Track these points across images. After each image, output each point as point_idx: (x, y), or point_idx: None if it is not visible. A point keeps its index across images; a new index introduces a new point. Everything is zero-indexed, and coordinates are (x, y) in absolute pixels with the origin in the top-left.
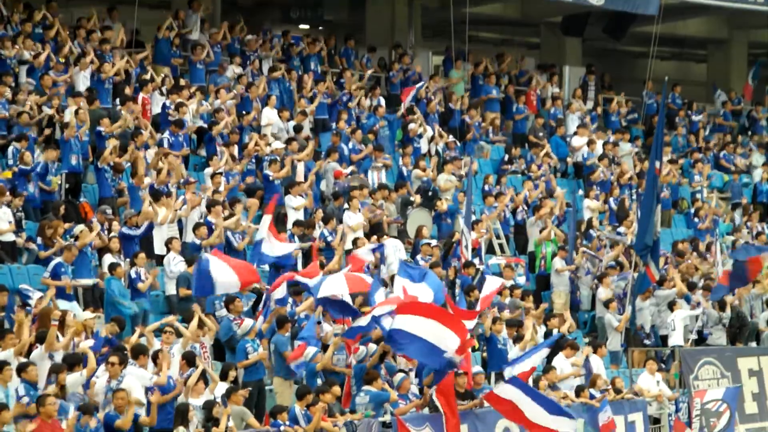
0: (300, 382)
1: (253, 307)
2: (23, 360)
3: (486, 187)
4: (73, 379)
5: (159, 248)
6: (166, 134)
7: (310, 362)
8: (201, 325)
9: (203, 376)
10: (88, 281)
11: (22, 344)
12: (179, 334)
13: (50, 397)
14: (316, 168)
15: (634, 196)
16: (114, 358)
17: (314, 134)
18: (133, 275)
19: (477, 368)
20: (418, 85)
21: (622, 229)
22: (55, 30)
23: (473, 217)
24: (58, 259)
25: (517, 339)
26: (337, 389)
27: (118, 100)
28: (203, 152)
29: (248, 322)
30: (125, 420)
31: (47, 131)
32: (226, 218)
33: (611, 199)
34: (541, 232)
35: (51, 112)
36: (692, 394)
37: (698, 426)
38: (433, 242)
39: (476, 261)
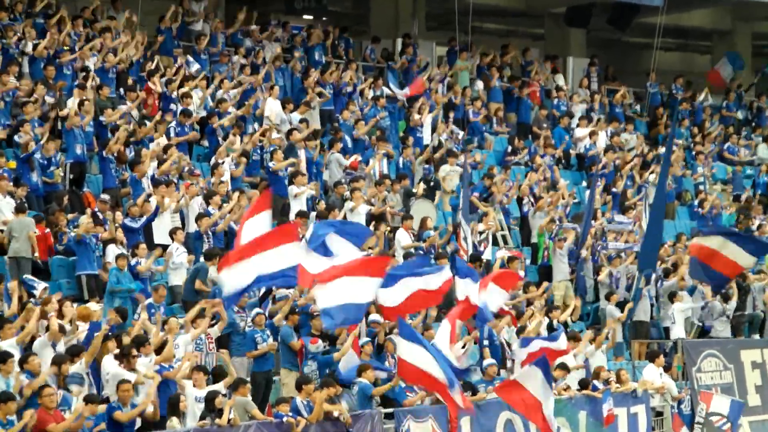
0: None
1: (260, 300)
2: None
3: None
4: (74, 370)
5: (160, 238)
6: (173, 124)
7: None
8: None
9: (203, 368)
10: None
11: (25, 333)
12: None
13: (49, 388)
14: (315, 157)
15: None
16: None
17: (320, 125)
18: (134, 265)
19: (489, 360)
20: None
21: (624, 218)
22: (57, 18)
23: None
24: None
25: (520, 330)
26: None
27: (122, 90)
28: (206, 143)
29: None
30: (125, 414)
31: (50, 120)
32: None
33: (614, 190)
34: (546, 224)
35: (52, 101)
36: (698, 391)
37: None
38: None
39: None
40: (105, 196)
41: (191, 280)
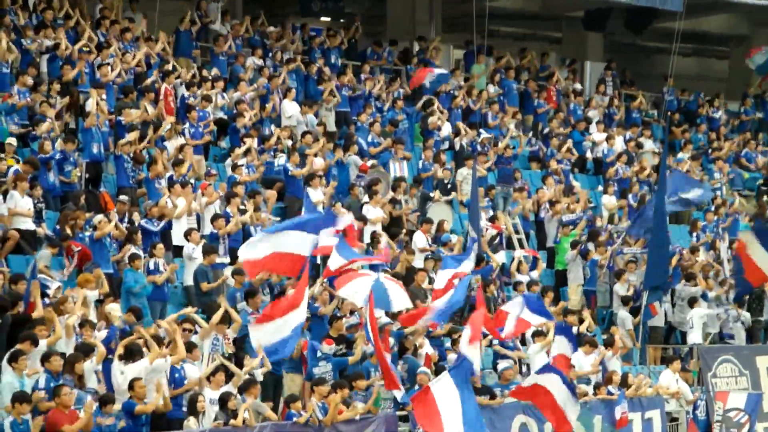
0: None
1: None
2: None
3: None
4: (86, 367)
5: (177, 240)
6: (187, 125)
7: None
8: (227, 320)
9: (225, 369)
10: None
11: (54, 339)
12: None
13: (65, 387)
14: (322, 162)
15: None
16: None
17: (337, 128)
18: (152, 266)
19: (507, 363)
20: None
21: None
22: (75, 20)
23: (490, 213)
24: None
25: (535, 333)
26: (362, 383)
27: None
28: (223, 144)
29: None
30: (146, 407)
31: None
32: (243, 211)
33: (630, 195)
34: (562, 227)
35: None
36: (713, 394)
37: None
38: (454, 237)
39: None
40: (124, 198)
41: (196, 285)
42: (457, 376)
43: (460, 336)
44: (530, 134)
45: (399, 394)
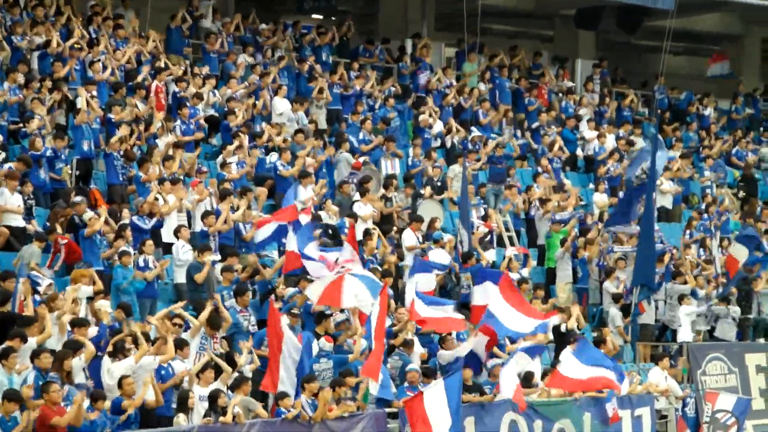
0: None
1: (261, 299)
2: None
3: None
4: (74, 364)
5: (167, 236)
6: (178, 122)
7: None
8: (215, 324)
9: (215, 366)
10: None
11: (45, 336)
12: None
13: (54, 384)
14: (320, 157)
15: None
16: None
17: (328, 125)
18: (141, 263)
19: (495, 360)
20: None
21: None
22: (66, 16)
23: (481, 211)
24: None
25: None
26: (352, 380)
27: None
28: (215, 141)
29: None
30: (132, 402)
31: (58, 114)
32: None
33: (621, 193)
34: (553, 225)
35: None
36: (703, 393)
37: None
38: (447, 236)
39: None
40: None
41: (189, 280)
42: (450, 387)
43: (450, 334)
44: (516, 130)
45: (374, 386)
